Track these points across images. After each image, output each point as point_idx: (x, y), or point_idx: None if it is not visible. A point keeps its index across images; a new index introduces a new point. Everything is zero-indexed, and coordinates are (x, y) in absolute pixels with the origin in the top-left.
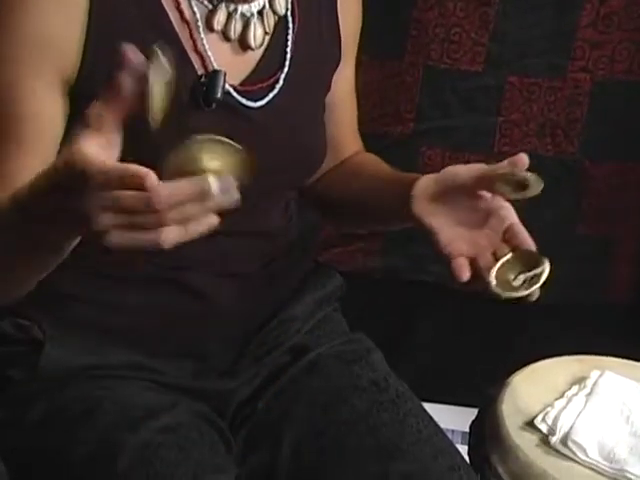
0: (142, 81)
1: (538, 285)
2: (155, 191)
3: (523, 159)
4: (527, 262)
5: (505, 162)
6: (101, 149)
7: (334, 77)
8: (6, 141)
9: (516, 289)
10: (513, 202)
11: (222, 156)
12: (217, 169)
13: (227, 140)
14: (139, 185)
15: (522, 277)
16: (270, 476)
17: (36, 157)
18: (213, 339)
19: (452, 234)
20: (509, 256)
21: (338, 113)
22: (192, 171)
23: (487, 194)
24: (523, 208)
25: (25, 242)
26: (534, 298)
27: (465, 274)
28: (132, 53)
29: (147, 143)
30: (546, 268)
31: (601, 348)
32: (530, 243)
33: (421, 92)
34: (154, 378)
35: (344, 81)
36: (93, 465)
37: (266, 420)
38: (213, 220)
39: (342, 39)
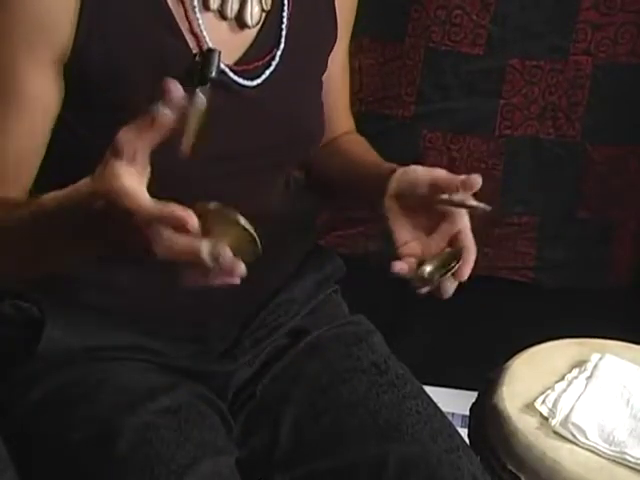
0: (180, 114)
1: (444, 277)
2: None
3: (476, 182)
4: (447, 259)
5: (460, 179)
6: (135, 179)
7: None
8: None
9: (427, 282)
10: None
11: (229, 231)
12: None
13: (236, 217)
14: (180, 227)
15: (437, 273)
16: (270, 458)
17: (26, 135)
18: (213, 321)
19: (408, 236)
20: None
21: (329, 91)
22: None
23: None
24: (525, 191)
25: (42, 250)
26: (446, 294)
27: (400, 267)
28: (174, 87)
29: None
30: (455, 267)
31: (602, 331)
32: (471, 249)
33: (422, 75)
34: (154, 360)
35: (336, 59)
36: (93, 447)
37: (266, 402)
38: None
39: (337, 17)
